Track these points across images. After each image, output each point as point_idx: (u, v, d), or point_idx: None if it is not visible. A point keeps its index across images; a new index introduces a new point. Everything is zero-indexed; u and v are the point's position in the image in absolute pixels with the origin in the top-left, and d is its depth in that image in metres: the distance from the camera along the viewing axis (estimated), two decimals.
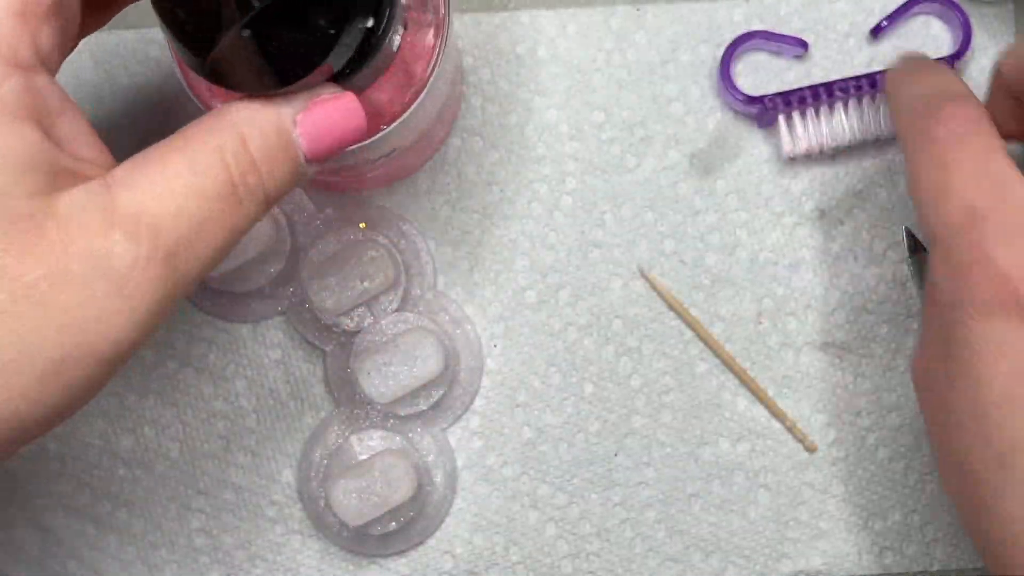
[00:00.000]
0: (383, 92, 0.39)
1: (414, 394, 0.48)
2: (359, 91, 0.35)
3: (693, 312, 0.51)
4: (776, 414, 0.50)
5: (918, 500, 0.51)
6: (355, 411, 0.50)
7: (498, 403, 0.51)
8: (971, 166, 0.37)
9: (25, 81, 0.32)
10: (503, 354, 0.51)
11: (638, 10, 0.52)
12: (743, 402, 0.51)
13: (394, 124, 0.39)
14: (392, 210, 0.50)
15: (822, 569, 0.50)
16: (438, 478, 0.50)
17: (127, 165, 0.32)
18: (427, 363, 0.48)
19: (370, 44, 0.34)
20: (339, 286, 0.48)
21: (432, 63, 0.39)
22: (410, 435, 0.50)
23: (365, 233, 0.49)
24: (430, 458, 0.50)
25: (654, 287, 0.50)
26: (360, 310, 0.49)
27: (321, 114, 0.33)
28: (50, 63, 0.33)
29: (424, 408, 0.49)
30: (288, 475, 0.50)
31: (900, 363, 0.51)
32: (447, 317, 0.50)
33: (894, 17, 0.50)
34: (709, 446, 0.51)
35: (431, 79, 0.39)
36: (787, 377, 0.51)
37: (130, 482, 0.50)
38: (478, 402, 0.51)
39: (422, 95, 0.39)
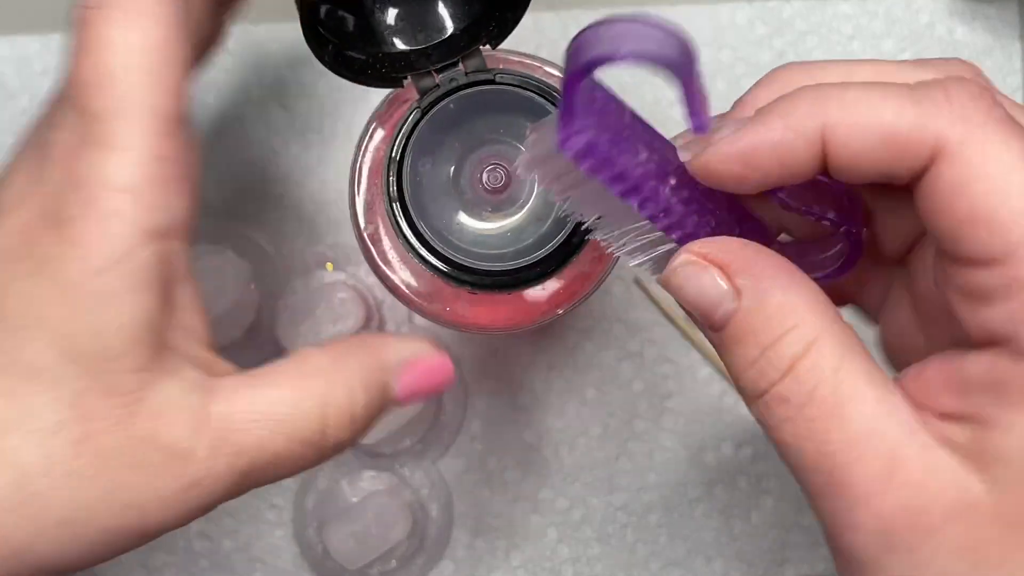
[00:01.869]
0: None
1: (399, 431, 0.49)
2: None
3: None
4: None
5: None
6: (343, 454, 0.49)
7: (499, 406, 0.51)
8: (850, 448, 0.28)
9: (160, 249, 0.32)
10: (504, 357, 0.51)
11: (640, 12, 0.51)
12: (745, 407, 0.50)
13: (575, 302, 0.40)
14: (357, 247, 0.50)
15: (825, 574, 0.50)
16: (434, 512, 0.50)
17: (240, 377, 0.33)
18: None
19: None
20: (312, 331, 0.48)
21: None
22: (401, 471, 0.50)
23: (332, 274, 0.49)
24: (423, 492, 0.50)
25: (649, 296, 0.50)
26: None
27: (422, 374, 0.35)
28: (183, 230, 0.33)
29: (411, 443, 0.49)
30: (287, 479, 0.50)
31: None
32: None
33: None
34: (711, 451, 0.50)
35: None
36: None
37: None
38: (479, 406, 0.51)
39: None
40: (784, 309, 0.29)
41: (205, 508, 0.33)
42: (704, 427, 0.51)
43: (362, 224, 0.37)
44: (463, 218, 0.36)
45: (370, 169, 0.37)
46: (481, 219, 0.36)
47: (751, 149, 0.29)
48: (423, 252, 0.35)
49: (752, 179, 0.30)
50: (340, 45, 0.35)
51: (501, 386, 0.51)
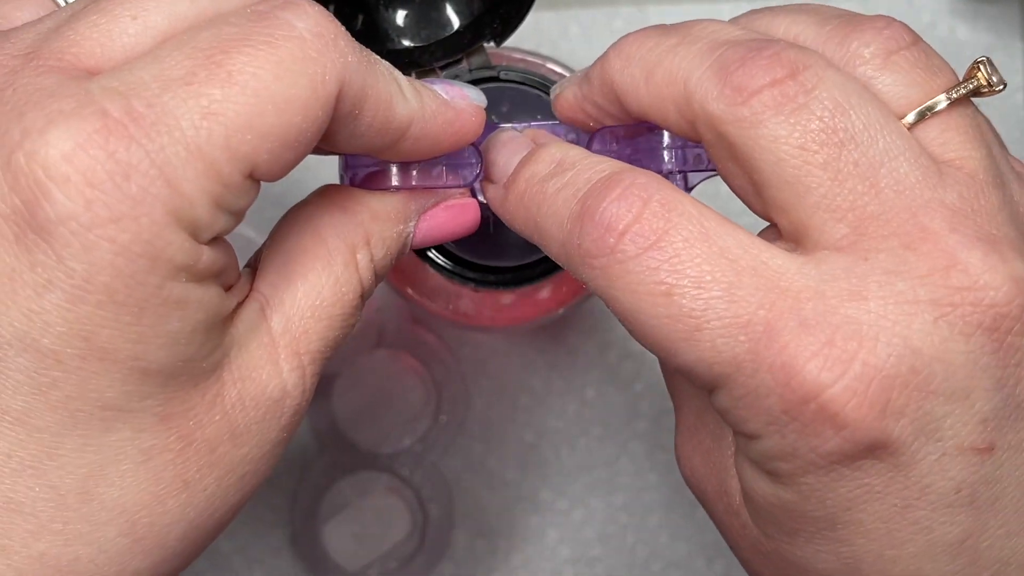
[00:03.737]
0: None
1: (399, 431, 0.48)
2: None
3: None
4: None
5: None
6: (342, 454, 0.50)
7: (499, 407, 0.51)
8: (698, 265, 0.26)
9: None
10: (505, 357, 0.50)
11: (641, 11, 0.51)
12: None
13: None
14: None
15: None
16: (434, 512, 0.50)
17: (271, 280, 0.30)
18: (408, 399, 0.48)
19: None
20: None
21: None
22: (401, 472, 0.50)
23: None
24: (423, 492, 0.50)
25: None
26: (336, 354, 0.48)
27: (444, 218, 0.33)
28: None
29: (410, 444, 0.49)
30: (287, 479, 0.50)
31: None
32: (425, 348, 0.50)
33: None
34: None
35: None
36: None
37: None
38: (479, 406, 0.50)
39: None
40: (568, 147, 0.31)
41: (293, 434, 0.31)
42: None
43: None
44: None
45: None
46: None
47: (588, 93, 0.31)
48: (427, 249, 0.35)
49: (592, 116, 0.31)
50: None
51: (501, 386, 0.51)
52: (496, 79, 0.35)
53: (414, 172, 0.32)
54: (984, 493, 0.27)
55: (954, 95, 0.28)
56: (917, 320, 0.25)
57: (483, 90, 0.35)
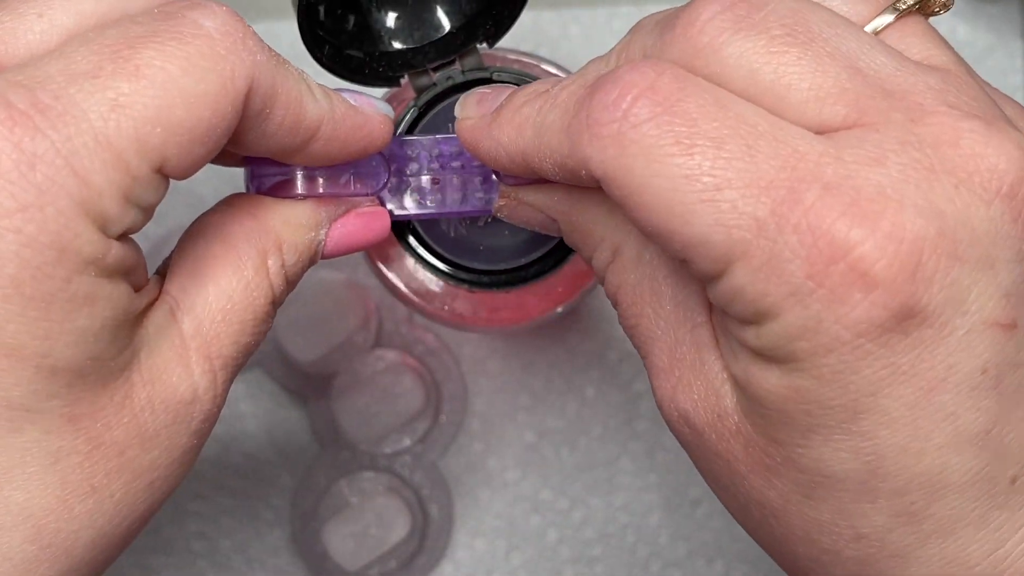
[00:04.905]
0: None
1: (399, 431, 0.48)
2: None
3: None
4: None
5: None
6: (342, 454, 0.50)
7: (499, 406, 0.51)
8: (715, 128, 0.25)
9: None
10: (504, 356, 0.50)
11: (641, 11, 0.51)
12: None
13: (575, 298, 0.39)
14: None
15: None
16: (434, 512, 0.50)
17: (181, 284, 0.30)
18: (408, 399, 0.48)
19: None
20: (312, 331, 0.48)
21: None
22: (401, 472, 0.50)
23: (331, 275, 0.49)
24: (423, 492, 0.50)
25: None
26: (335, 353, 0.49)
27: (354, 227, 0.33)
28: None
29: (410, 444, 0.49)
30: (286, 479, 0.50)
31: None
32: (424, 348, 0.50)
33: None
34: None
35: None
36: None
37: None
38: (479, 405, 0.50)
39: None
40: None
41: (210, 433, 0.31)
42: None
43: None
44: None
45: None
46: (479, 217, 0.37)
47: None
48: (421, 251, 0.35)
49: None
50: (337, 44, 0.35)
51: (501, 386, 0.51)
52: (489, 80, 0.35)
53: (321, 180, 0.32)
54: (1009, 377, 0.25)
55: (901, 7, 0.28)
56: (938, 185, 0.25)
57: None
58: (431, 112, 0.35)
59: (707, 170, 0.25)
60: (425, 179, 0.33)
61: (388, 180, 0.32)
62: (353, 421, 0.48)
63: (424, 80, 0.35)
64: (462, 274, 0.35)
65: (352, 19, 0.35)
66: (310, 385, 0.50)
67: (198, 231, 0.31)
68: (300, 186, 0.32)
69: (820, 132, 0.25)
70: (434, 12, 0.36)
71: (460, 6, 0.35)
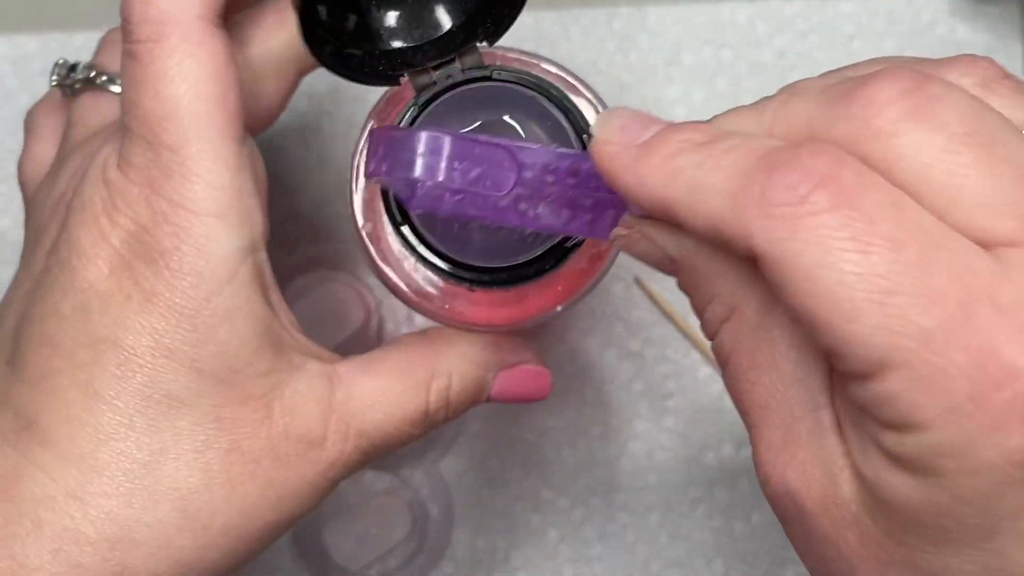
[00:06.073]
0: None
1: None
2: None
3: (695, 317, 0.50)
4: None
5: None
6: None
7: (500, 406, 0.50)
8: (893, 230, 0.25)
9: (254, 262, 0.35)
10: None
11: (641, 11, 0.51)
12: None
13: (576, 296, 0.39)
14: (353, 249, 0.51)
15: None
16: (434, 512, 0.50)
17: (351, 364, 0.36)
18: None
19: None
20: (310, 331, 0.48)
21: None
22: (401, 471, 0.50)
23: (331, 274, 0.49)
24: (423, 492, 0.50)
25: (650, 296, 0.50)
26: (337, 354, 0.48)
27: (519, 380, 0.38)
28: (266, 238, 0.36)
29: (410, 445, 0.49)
30: None
31: None
32: None
33: None
34: (712, 450, 0.50)
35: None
36: None
37: None
38: (479, 405, 0.50)
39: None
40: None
41: (335, 485, 0.36)
42: (704, 427, 0.50)
43: (360, 222, 0.38)
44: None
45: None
46: None
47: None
48: (421, 249, 0.35)
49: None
50: (338, 44, 0.35)
51: None
52: (489, 79, 0.35)
53: (457, 173, 0.31)
54: None
55: None
56: None
57: (476, 89, 0.35)
58: (430, 108, 0.35)
59: (882, 272, 0.24)
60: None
61: (516, 185, 0.31)
62: None
63: (424, 79, 0.35)
64: (462, 272, 0.35)
65: (352, 18, 0.35)
66: None
67: (388, 344, 0.38)
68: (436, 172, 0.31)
69: (984, 244, 0.25)
70: (434, 11, 0.36)
71: (460, 4, 0.35)
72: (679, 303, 0.50)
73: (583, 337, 0.51)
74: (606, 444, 0.50)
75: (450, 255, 0.35)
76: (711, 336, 0.30)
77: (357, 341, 0.49)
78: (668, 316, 0.50)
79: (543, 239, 0.35)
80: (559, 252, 0.35)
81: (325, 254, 0.50)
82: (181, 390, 0.33)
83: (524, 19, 0.51)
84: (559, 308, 0.38)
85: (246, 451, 0.34)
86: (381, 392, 0.36)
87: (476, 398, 0.38)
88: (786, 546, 0.50)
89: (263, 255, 0.35)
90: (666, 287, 0.51)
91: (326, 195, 0.50)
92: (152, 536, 0.33)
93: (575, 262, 0.36)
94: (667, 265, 0.30)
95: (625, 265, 0.51)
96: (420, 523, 0.49)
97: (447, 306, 0.38)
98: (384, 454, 0.37)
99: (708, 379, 0.50)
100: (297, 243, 0.50)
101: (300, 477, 0.35)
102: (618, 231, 0.31)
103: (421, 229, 0.35)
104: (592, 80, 0.51)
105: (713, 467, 0.50)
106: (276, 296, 0.36)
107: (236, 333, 0.34)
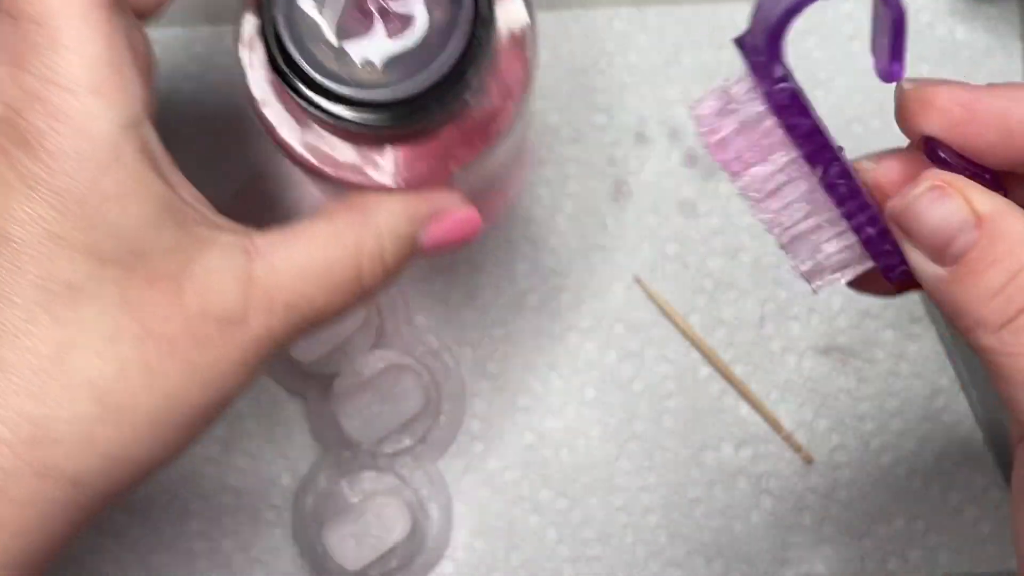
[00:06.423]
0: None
1: (399, 431, 0.48)
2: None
3: (695, 316, 0.50)
4: (773, 425, 0.50)
5: (921, 506, 0.50)
6: (343, 454, 0.50)
7: (499, 407, 0.51)
8: None
9: (138, 136, 0.32)
10: (504, 357, 0.51)
11: (641, 12, 0.51)
12: (745, 407, 0.50)
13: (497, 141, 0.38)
14: None
15: (825, 575, 0.50)
16: (433, 512, 0.50)
17: (271, 236, 0.34)
18: (408, 399, 0.48)
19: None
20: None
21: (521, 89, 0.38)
22: (401, 472, 0.50)
23: None
24: (423, 492, 0.50)
25: (650, 296, 0.50)
26: (336, 353, 0.49)
27: (448, 228, 0.36)
28: (150, 111, 0.33)
29: (411, 444, 0.49)
30: (287, 479, 0.50)
31: (903, 368, 0.50)
32: (424, 348, 0.50)
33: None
34: (711, 451, 0.50)
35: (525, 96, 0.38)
36: (789, 381, 0.50)
37: None
38: (479, 406, 0.51)
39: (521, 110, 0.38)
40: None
41: (259, 371, 0.34)
42: (704, 427, 0.50)
43: (256, 93, 0.36)
44: (350, 49, 0.34)
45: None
46: (366, 48, 0.34)
47: (976, 95, 0.31)
48: (302, 87, 0.33)
49: (973, 130, 0.31)
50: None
51: (501, 386, 0.51)
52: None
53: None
54: None
55: None
56: None
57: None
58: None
59: None
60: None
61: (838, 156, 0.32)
62: (353, 421, 0.48)
63: None
64: (362, 113, 0.33)
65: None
66: (310, 385, 0.50)
67: (313, 213, 0.35)
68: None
69: None
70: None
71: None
72: (679, 303, 0.51)
73: (583, 337, 0.51)
74: (605, 445, 0.51)
75: (333, 88, 0.33)
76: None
77: (356, 341, 0.49)
78: (668, 316, 0.50)
79: (441, 68, 0.33)
80: (449, 90, 0.34)
81: None
82: (82, 279, 0.31)
83: (523, 19, 0.51)
84: (484, 150, 0.37)
85: (160, 335, 0.32)
86: (308, 261, 0.34)
87: (411, 257, 0.36)
88: (785, 546, 0.50)
89: (148, 128, 0.33)
90: (666, 287, 0.51)
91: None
92: (72, 432, 0.31)
93: (477, 110, 0.35)
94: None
95: (626, 264, 0.51)
96: (420, 523, 0.49)
97: (360, 169, 0.36)
98: (321, 328, 0.35)
99: (707, 379, 0.51)
100: None
101: (225, 358, 0.33)
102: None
103: (298, 58, 0.33)
104: (592, 80, 0.51)
105: (712, 467, 0.50)
106: (171, 170, 0.34)
107: (131, 213, 0.31)
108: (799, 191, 0.32)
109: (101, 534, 0.50)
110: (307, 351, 0.48)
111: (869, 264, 0.33)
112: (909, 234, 0.31)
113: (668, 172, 0.51)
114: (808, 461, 0.50)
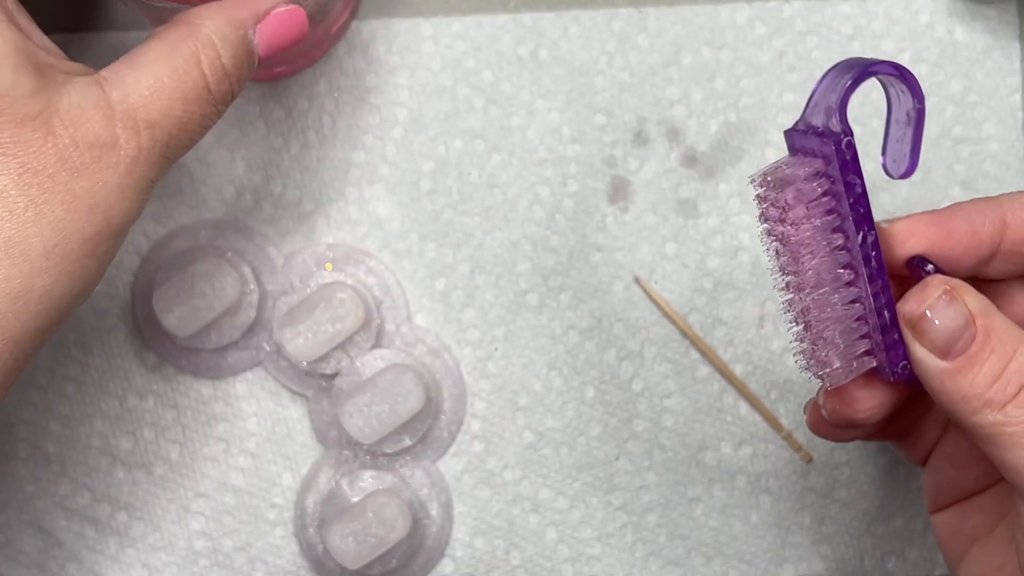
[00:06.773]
0: None
1: (399, 430, 0.48)
2: None
3: (694, 316, 0.51)
4: (773, 424, 0.50)
5: (920, 504, 0.50)
6: (343, 453, 0.50)
7: (499, 407, 0.51)
8: None
9: None
10: (504, 357, 0.51)
11: (640, 12, 0.51)
12: (745, 406, 0.51)
13: None
14: (356, 247, 0.50)
15: (824, 574, 0.50)
16: (434, 511, 0.50)
17: (114, 67, 0.36)
18: (408, 398, 0.48)
19: None
20: (311, 331, 0.48)
21: None
22: (401, 471, 0.50)
23: (331, 274, 0.49)
24: (423, 492, 0.50)
25: (649, 295, 0.50)
26: (336, 353, 0.49)
27: (276, 25, 0.38)
28: None
29: (411, 443, 0.49)
30: (288, 478, 0.50)
31: None
32: (424, 348, 0.50)
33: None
34: (711, 450, 0.50)
35: None
36: (789, 381, 0.51)
37: (130, 484, 0.50)
38: (479, 406, 0.51)
39: None
40: (1011, 328, 0.35)
41: (149, 187, 0.36)
42: (704, 427, 0.50)
43: None
44: None
45: None
46: None
47: (948, 216, 0.37)
48: None
49: (944, 243, 0.37)
50: None
51: (501, 386, 0.51)
52: None
53: None
54: None
55: None
56: None
57: None
58: None
59: None
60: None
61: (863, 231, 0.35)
62: (354, 421, 0.48)
63: None
64: None
65: None
66: (311, 385, 0.50)
67: (143, 42, 0.37)
68: None
69: None
70: None
71: None
72: (679, 303, 0.51)
73: (582, 337, 0.51)
74: (605, 444, 0.51)
75: None
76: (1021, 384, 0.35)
77: (356, 341, 0.49)
78: (668, 316, 0.50)
79: None
80: None
81: (325, 255, 0.50)
82: None
83: (523, 19, 0.52)
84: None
85: (38, 169, 0.34)
86: (154, 80, 0.36)
87: (249, 60, 0.38)
88: (784, 545, 0.50)
89: None
90: (665, 287, 0.51)
91: (327, 195, 0.50)
92: None
93: None
94: (910, 451, 0.42)
95: (625, 264, 0.51)
96: (420, 523, 0.49)
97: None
98: (188, 143, 0.37)
99: (707, 379, 0.51)
100: (296, 244, 0.51)
101: (105, 182, 0.34)
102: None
103: None
104: (592, 80, 0.51)
105: (712, 467, 0.51)
106: (23, 19, 0.36)
107: None
108: (840, 280, 0.35)
109: (102, 532, 0.50)
110: (307, 351, 0.48)
111: (872, 363, 0.36)
112: (923, 336, 0.35)
113: (668, 172, 0.51)
114: (807, 460, 0.50)
